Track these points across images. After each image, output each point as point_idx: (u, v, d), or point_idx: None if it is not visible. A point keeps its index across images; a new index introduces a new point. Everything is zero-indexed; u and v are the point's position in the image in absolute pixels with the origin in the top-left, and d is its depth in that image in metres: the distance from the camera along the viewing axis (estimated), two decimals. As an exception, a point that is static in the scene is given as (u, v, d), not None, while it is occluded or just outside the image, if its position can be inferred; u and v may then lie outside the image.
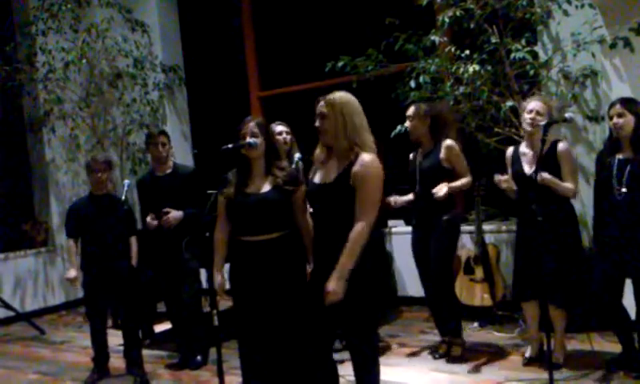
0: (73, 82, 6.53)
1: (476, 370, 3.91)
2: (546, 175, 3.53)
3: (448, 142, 3.96)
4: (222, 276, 3.21)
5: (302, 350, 2.97)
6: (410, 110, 4.07)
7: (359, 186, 2.72)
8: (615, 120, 3.44)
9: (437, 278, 4.01)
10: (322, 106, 2.83)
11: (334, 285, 2.69)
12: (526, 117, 3.68)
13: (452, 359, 4.05)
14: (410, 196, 4.10)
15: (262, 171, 3.08)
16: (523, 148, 3.80)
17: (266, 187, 3.04)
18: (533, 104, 3.68)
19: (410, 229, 4.23)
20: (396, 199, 4.12)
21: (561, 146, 3.67)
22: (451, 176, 3.93)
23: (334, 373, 3.00)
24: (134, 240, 4.34)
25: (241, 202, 3.04)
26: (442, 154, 3.94)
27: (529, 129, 3.67)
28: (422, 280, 4.15)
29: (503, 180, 3.75)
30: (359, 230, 2.70)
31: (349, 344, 2.90)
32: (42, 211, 6.94)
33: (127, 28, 6.49)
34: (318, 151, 2.93)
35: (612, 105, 3.51)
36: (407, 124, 4.09)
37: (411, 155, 4.21)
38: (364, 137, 2.79)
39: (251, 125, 3.06)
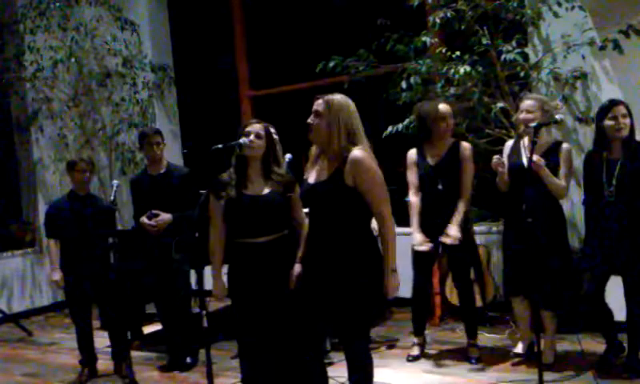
0: (61, 81, 6.48)
1: (466, 371, 3.92)
2: (541, 161, 3.53)
3: (467, 146, 4.01)
4: (222, 280, 3.19)
5: (299, 350, 2.97)
6: (447, 109, 3.99)
7: (362, 184, 2.72)
8: (622, 120, 3.44)
9: (466, 280, 4.08)
10: (318, 104, 2.81)
11: (392, 282, 2.75)
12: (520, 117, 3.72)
13: (474, 360, 4.03)
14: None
15: (260, 173, 3.09)
16: (525, 141, 3.78)
17: (265, 190, 3.05)
18: (525, 103, 3.69)
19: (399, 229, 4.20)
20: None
21: (565, 146, 3.71)
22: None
23: (324, 374, 2.99)
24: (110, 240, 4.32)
25: (242, 204, 3.04)
26: (462, 156, 3.97)
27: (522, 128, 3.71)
28: (420, 281, 4.11)
29: (500, 163, 3.74)
30: (386, 222, 2.75)
31: (344, 345, 2.89)
32: (29, 211, 6.86)
33: (116, 27, 6.43)
34: (312, 148, 2.94)
35: (613, 105, 3.49)
36: (444, 124, 3.96)
37: (414, 154, 4.10)
38: (357, 141, 2.78)
39: (257, 126, 3.08)
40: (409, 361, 4.15)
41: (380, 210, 2.76)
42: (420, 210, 4.01)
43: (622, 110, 3.46)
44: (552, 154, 3.67)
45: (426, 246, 3.87)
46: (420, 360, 4.16)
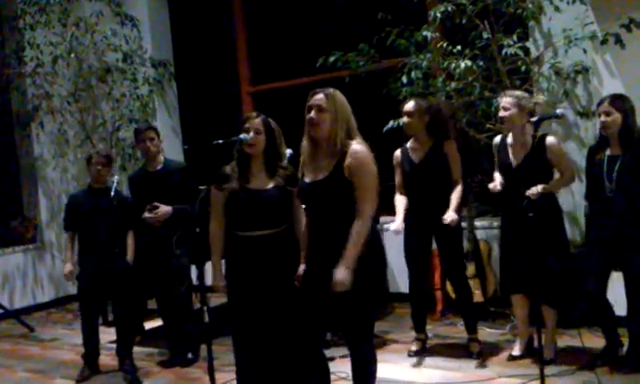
0: (61, 77, 6.47)
1: (468, 365, 3.92)
2: (538, 189, 3.48)
3: (450, 142, 4.01)
4: (221, 272, 3.19)
5: (297, 345, 2.97)
6: (410, 106, 4.01)
7: (356, 177, 2.71)
8: (602, 118, 3.46)
9: (460, 276, 4.09)
10: (320, 99, 2.78)
11: (342, 274, 2.65)
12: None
13: (475, 355, 4.03)
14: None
15: (262, 168, 3.09)
16: (510, 138, 3.79)
17: (269, 184, 3.05)
18: (502, 101, 3.71)
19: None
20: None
21: (549, 139, 3.66)
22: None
23: (325, 368, 2.99)
24: (130, 235, 4.33)
25: (245, 198, 3.04)
26: (446, 153, 3.98)
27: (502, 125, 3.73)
28: (415, 279, 4.12)
29: (496, 188, 3.76)
30: (362, 221, 2.69)
31: (348, 340, 2.89)
32: (30, 207, 6.87)
33: (116, 22, 6.42)
34: (304, 145, 2.89)
35: (600, 102, 3.53)
36: (405, 119, 4.01)
37: (398, 155, 4.14)
38: (354, 135, 2.80)
39: (257, 121, 3.08)
40: (410, 356, 4.15)
41: (362, 207, 2.70)
42: (406, 206, 4.05)
43: (604, 107, 3.47)
44: (541, 151, 3.62)
45: (396, 227, 3.89)
46: (421, 355, 4.16)
